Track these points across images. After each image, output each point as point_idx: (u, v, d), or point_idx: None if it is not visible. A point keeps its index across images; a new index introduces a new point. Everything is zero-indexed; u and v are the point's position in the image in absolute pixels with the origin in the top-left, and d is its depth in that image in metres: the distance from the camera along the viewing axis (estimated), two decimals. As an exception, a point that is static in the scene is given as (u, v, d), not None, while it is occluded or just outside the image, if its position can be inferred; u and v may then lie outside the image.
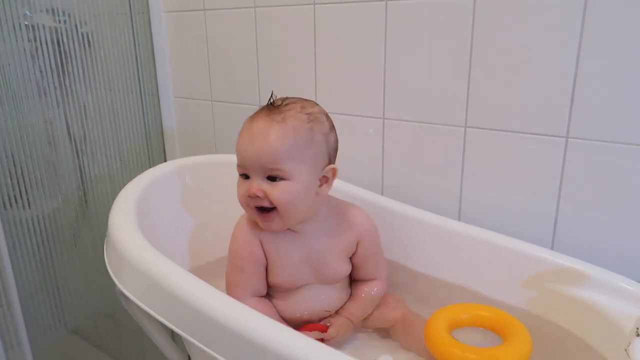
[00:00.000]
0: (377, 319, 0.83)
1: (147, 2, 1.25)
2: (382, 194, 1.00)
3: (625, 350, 0.61)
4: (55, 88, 1.11)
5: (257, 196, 0.70)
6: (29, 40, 1.06)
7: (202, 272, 0.76)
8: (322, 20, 1.00)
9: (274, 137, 0.69)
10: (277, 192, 0.70)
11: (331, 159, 0.75)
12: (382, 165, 1.00)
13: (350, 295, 0.83)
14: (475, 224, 0.84)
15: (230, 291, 0.78)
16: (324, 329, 0.76)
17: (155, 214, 0.84)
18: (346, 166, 0.91)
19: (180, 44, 1.26)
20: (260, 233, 0.76)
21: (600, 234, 0.79)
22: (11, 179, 1.05)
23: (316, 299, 0.79)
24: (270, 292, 0.80)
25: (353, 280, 0.85)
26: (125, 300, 0.72)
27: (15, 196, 1.06)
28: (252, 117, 0.73)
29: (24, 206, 1.09)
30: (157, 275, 0.65)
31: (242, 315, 0.57)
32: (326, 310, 0.80)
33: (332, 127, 0.76)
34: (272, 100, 0.74)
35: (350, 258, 0.81)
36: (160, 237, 0.81)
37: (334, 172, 0.75)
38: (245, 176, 0.72)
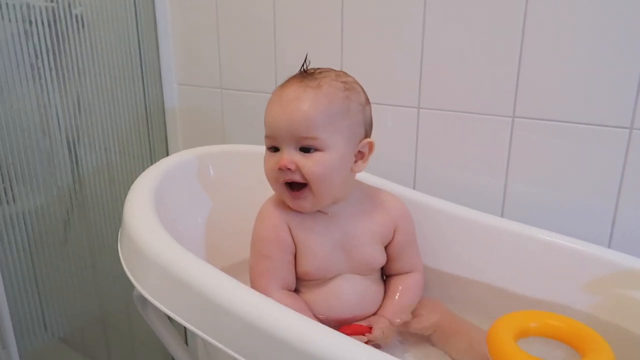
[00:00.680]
0: (417, 323, 0.75)
1: (151, -21, 1.15)
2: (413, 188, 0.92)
3: None
4: (50, 70, 1.00)
5: (289, 169, 0.64)
6: (23, 21, 0.95)
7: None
8: (352, -1, 0.92)
9: (309, 103, 0.64)
10: (310, 164, 0.64)
11: (367, 133, 0.70)
12: (415, 159, 0.92)
13: (385, 293, 0.76)
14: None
15: (254, 283, 0.69)
16: (367, 331, 0.68)
17: (173, 207, 0.75)
18: (374, 159, 0.84)
19: (186, 26, 1.17)
20: (288, 215, 0.69)
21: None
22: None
23: (351, 291, 0.71)
24: (297, 286, 0.72)
25: (387, 276, 0.78)
26: (142, 303, 0.63)
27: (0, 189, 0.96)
28: (283, 85, 0.68)
29: (8, 201, 0.98)
30: (188, 276, 0.55)
31: (292, 324, 0.48)
32: (362, 306, 0.72)
33: (368, 100, 0.71)
34: (305, 68, 0.68)
35: (386, 247, 0.75)
36: (179, 234, 0.72)
37: (371, 147, 0.70)
38: (274, 149, 0.67)
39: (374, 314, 0.74)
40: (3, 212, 0.97)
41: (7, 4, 0.93)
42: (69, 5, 1.04)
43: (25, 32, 0.96)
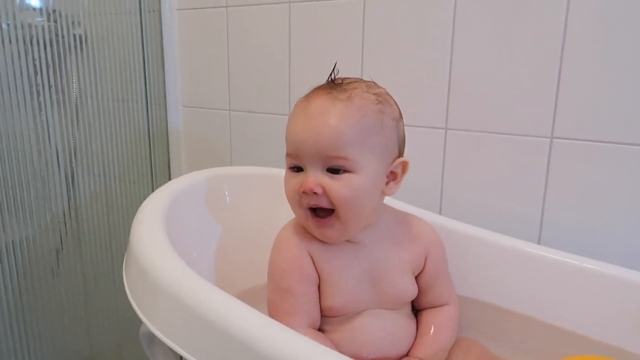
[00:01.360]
0: None
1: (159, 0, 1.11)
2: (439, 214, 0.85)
3: None
4: (49, 89, 0.94)
5: (315, 192, 0.56)
6: (24, 42, 0.90)
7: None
8: (372, 12, 0.88)
9: (339, 118, 0.56)
10: (339, 187, 0.57)
11: (400, 151, 0.63)
12: (442, 184, 0.86)
13: (417, 330, 0.68)
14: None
15: (276, 320, 0.61)
16: None
17: (184, 232, 0.67)
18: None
19: (194, 46, 1.13)
20: (311, 244, 0.62)
21: None
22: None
23: (381, 328, 0.63)
24: (320, 324, 0.64)
25: (418, 311, 0.70)
26: (149, 341, 0.54)
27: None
28: (308, 96, 0.60)
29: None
30: (208, 310, 0.48)
31: None
32: (393, 346, 0.64)
33: (401, 114, 0.64)
34: (332, 78, 0.61)
35: (417, 278, 0.67)
36: (191, 261, 0.64)
37: (405, 167, 0.62)
38: (297, 169, 0.59)
39: (407, 354, 0.65)
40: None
41: (8, 25, 0.88)
42: (71, 25, 0.99)
43: (25, 51, 0.91)
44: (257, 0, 1.01)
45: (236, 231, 0.77)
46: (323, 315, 0.63)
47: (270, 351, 0.42)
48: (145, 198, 0.69)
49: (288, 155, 0.60)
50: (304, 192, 0.58)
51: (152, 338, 0.52)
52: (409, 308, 0.68)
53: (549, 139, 0.76)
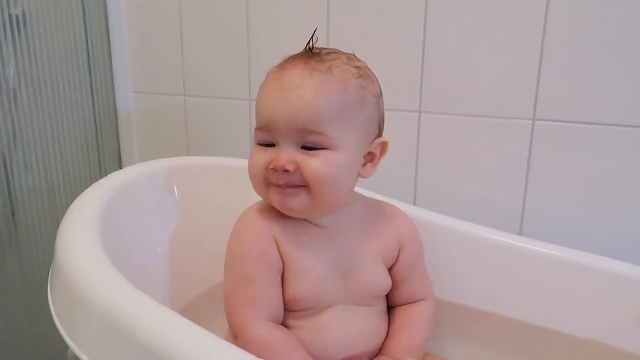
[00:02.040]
0: None
1: (102, -27, 1.00)
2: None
3: None
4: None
5: (286, 170, 0.51)
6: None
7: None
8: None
9: (318, 90, 0.52)
10: (315, 163, 0.52)
11: (380, 131, 0.59)
12: (416, 171, 0.80)
13: (390, 327, 0.62)
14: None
15: (233, 314, 0.55)
16: None
17: (126, 234, 0.59)
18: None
19: (143, 25, 1.04)
20: (276, 226, 0.56)
21: None
22: None
23: (349, 325, 0.57)
24: (283, 320, 0.57)
25: (392, 307, 0.64)
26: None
27: None
28: (283, 66, 0.55)
29: None
30: (143, 329, 0.40)
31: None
32: (365, 344, 0.58)
33: (381, 91, 0.59)
34: (310, 46, 0.56)
35: (390, 270, 0.62)
36: (134, 269, 0.56)
37: (384, 147, 0.58)
38: (266, 145, 0.54)
39: (379, 352, 0.60)
40: None
41: None
42: (6, 4, 0.88)
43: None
44: (212, -27, 0.92)
45: (189, 228, 0.69)
46: (286, 308, 0.56)
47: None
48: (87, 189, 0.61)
49: (258, 129, 0.54)
50: (273, 169, 0.52)
51: (82, 363, 0.44)
52: (382, 305, 0.63)
53: (530, 121, 0.72)
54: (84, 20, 1.00)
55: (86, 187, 0.62)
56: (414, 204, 0.82)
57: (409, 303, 0.64)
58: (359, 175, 0.57)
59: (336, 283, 0.58)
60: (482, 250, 0.67)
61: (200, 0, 0.95)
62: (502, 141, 0.73)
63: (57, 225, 0.95)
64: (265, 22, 0.90)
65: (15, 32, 0.90)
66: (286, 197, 0.53)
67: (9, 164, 0.90)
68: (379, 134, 0.59)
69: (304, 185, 0.52)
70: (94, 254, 0.48)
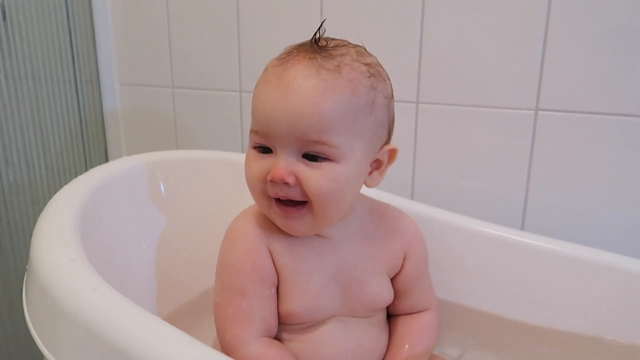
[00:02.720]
0: None
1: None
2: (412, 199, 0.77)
3: None
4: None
5: (286, 182, 0.46)
6: None
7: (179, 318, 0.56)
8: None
9: (325, 94, 0.46)
10: (317, 178, 0.47)
11: (390, 136, 0.54)
12: (414, 164, 0.77)
13: (391, 339, 0.59)
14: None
15: (224, 329, 0.51)
16: None
17: (108, 234, 0.55)
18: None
19: (130, 15, 1.00)
20: (270, 237, 0.52)
21: None
22: None
23: (347, 339, 0.54)
24: (277, 333, 0.54)
25: (393, 316, 0.61)
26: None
27: None
28: (284, 59, 0.48)
29: None
30: (125, 339, 0.37)
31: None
32: (363, 358, 0.55)
33: (392, 92, 0.54)
34: (317, 37, 0.49)
35: (393, 280, 0.58)
36: (117, 271, 0.53)
37: (393, 155, 0.54)
38: (263, 150, 0.49)
39: None
40: None
41: None
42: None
43: None
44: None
45: (177, 227, 0.66)
46: (281, 322, 0.53)
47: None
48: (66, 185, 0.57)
49: (254, 132, 0.49)
50: (271, 181, 0.47)
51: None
52: (382, 315, 0.59)
53: (533, 112, 0.69)
54: (67, 10, 0.96)
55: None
56: (412, 198, 0.79)
57: (410, 313, 0.60)
58: (365, 184, 0.53)
59: (335, 296, 0.54)
60: (484, 246, 0.64)
61: (188, -13, 0.92)
62: (503, 132, 0.71)
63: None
64: (256, 11, 0.87)
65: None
66: (290, 220, 0.49)
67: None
68: (388, 140, 0.54)
69: (305, 201, 0.48)
70: (71, 255, 0.44)
